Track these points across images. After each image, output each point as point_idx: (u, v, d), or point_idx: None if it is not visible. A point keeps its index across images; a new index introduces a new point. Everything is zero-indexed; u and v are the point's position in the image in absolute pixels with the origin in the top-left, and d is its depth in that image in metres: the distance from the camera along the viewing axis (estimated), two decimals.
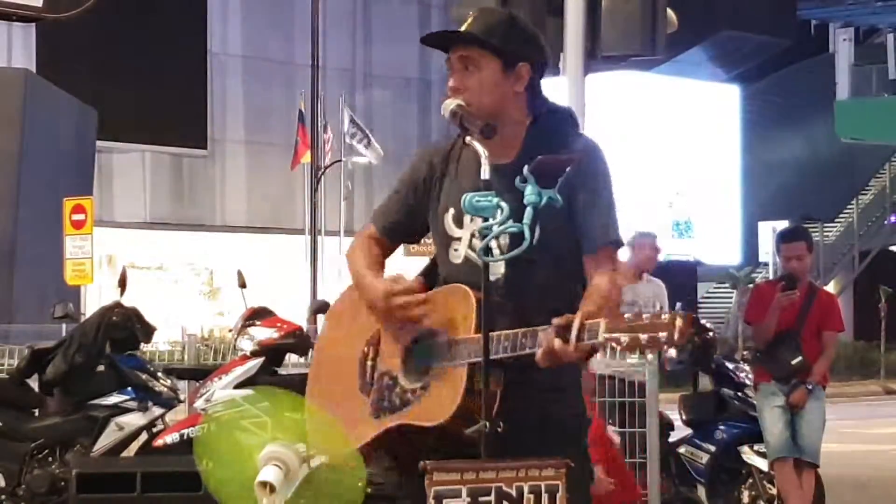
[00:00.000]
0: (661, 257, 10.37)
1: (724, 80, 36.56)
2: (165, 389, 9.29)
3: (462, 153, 3.82)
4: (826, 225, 39.01)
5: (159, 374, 9.48)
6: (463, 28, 3.81)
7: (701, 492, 9.48)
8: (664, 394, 9.75)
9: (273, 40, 34.79)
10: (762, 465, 9.06)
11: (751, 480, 9.29)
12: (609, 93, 25.85)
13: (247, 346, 9.08)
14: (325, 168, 30.52)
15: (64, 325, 12.26)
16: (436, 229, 3.86)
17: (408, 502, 3.67)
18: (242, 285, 9.81)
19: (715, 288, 38.42)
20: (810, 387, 8.34)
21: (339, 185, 32.03)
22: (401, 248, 4.05)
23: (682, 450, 9.57)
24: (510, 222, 3.49)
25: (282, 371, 9.51)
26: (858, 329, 33.86)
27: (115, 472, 8.49)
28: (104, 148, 28.97)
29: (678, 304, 9.69)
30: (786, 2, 37.36)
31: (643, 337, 3.26)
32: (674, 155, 31.73)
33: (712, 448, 9.43)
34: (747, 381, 9.35)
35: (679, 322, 3.24)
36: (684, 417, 9.72)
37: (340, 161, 31.19)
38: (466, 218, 3.74)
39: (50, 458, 8.98)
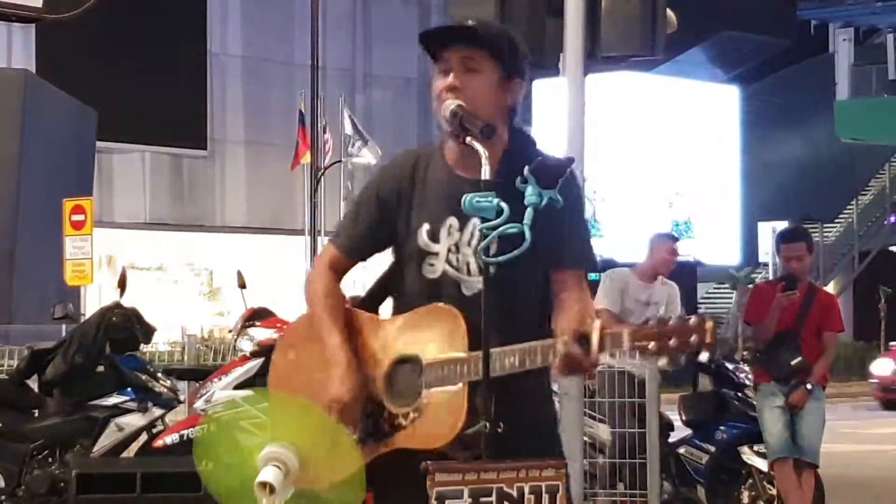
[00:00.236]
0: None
1: (724, 80, 36.55)
2: (165, 390, 9.29)
3: (429, 165, 3.78)
4: (826, 225, 39.02)
5: (159, 374, 9.48)
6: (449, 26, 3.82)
7: (701, 492, 9.48)
8: (664, 394, 9.75)
9: (273, 40, 34.79)
10: (762, 465, 9.06)
11: (751, 481, 9.29)
12: (609, 93, 25.85)
13: (247, 346, 9.08)
14: (325, 168, 30.54)
15: (64, 326, 12.26)
16: (406, 246, 3.77)
17: None
18: (242, 286, 9.81)
19: (715, 288, 38.42)
20: (810, 387, 8.34)
21: (338, 185, 32.03)
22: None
23: (682, 450, 9.57)
24: (510, 223, 3.47)
25: None
26: (858, 329, 33.89)
27: (115, 473, 8.50)
28: (104, 148, 28.98)
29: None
30: (786, 2, 37.37)
31: (673, 342, 3.30)
32: (673, 155, 31.69)
33: (712, 448, 9.43)
34: (747, 382, 9.35)
35: (709, 325, 3.29)
36: (684, 418, 9.72)
37: (340, 161, 31.19)
38: (443, 233, 3.71)
39: (50, 459, 8.98)
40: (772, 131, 39.63)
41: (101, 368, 9.18)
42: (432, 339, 3.60)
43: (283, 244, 33.00)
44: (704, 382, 10.11)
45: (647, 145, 31.21)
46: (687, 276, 31.78)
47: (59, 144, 22.91)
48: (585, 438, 8.68)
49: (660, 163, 31.56)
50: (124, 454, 9.09)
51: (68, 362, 9.01)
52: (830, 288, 33.40)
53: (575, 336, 3.43)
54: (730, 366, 9.61)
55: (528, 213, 3.46)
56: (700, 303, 34.88)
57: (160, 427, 9.16)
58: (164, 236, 33.10)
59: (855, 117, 40.77)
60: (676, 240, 10.02)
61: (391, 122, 35.59)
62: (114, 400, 9.10)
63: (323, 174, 30.42)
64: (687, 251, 33.32)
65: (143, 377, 9.23)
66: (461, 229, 3.71)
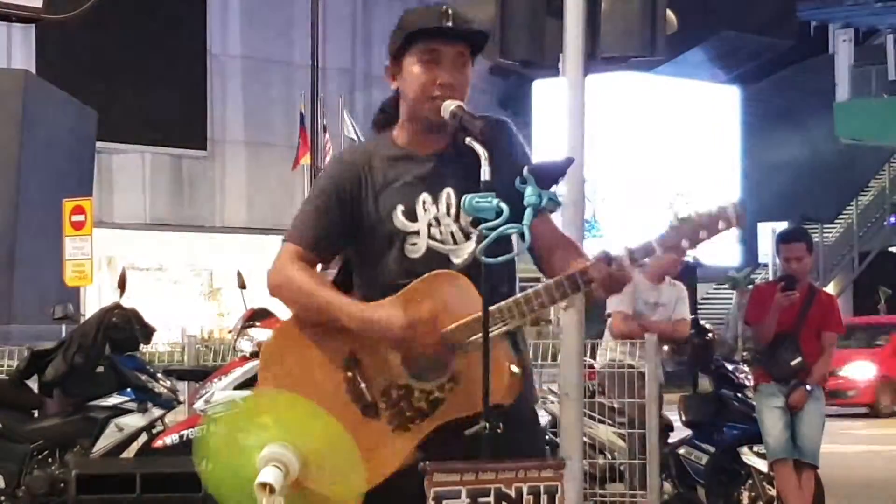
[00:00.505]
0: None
1: (725, 80, 36.56)
2: (165, 390, 9.29)
3: (383, 152, 3.76)
4: (826, 226, 39.01)
5: (159, 375, 9.48)
6: (463, 26, 3.81)
7: (701, 493, 9.48)
8: (664, 394, 9.76)
9: (273, 41, 34.82)
10: (762, 466, 9.06)
11: (750, 481, 9.28)
12: (609, 94, 25.84)
13: (246, 347, 9.08)
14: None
15: (64, 326, 12.25)
16: (378, 232, 3.72)
17: None
18: (242, 286, 9.80)
19: (714, 289, 38.42)
20: (810, 388, 8.34)
21: None
22: None
23: (681, 451, 9.57)
24: (509, 224, 3.47)
25: None
26: None
27: (115, 474, 8.51)
28: (104, 149, 29.01)
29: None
30: (786, 3, 37.40)
31: (703, 234, 3.63)
32: (674, 156, 31.71)
33: (712, 449, 9.42)
34: (747, 382, 9.35)
35: (730, 207, 3.62)
36: (684, 418, 9.72)
37: None
38: (419, 210, 3.69)
39: (49, 460, 8.98)
40: (772, 132, 39.62)
41: (100, 369, 9.17)
42: (443, 306, 3.58)
43: None
44: (704, 383, 10.10)
45: (647, 146, 31.23)
46: (686, 276, 31.84)
47: (59, 145, 22.93)
48: (585, 439, 8.68)
49: (660, 163, 31.58)
50: (124, 455, 9.08)
51: (68, 363, 9.00)
52: (830, 288, 33.40)
53: (604, 259, 3.57)
54: (730, 366, 9.61)
55: (528, 213, 3.48)
56: (700, 304, 34.89)
57: (160, 427, 9.16)
58: (163, 237, 33.12)
59: (855, 118, 40.78)
60: None
61: None
62: (113, 400, 9.09)
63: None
64: (687, 252, 33.34)
65: (143, 378, 9.22)
66: (435, 202, 3.71)
